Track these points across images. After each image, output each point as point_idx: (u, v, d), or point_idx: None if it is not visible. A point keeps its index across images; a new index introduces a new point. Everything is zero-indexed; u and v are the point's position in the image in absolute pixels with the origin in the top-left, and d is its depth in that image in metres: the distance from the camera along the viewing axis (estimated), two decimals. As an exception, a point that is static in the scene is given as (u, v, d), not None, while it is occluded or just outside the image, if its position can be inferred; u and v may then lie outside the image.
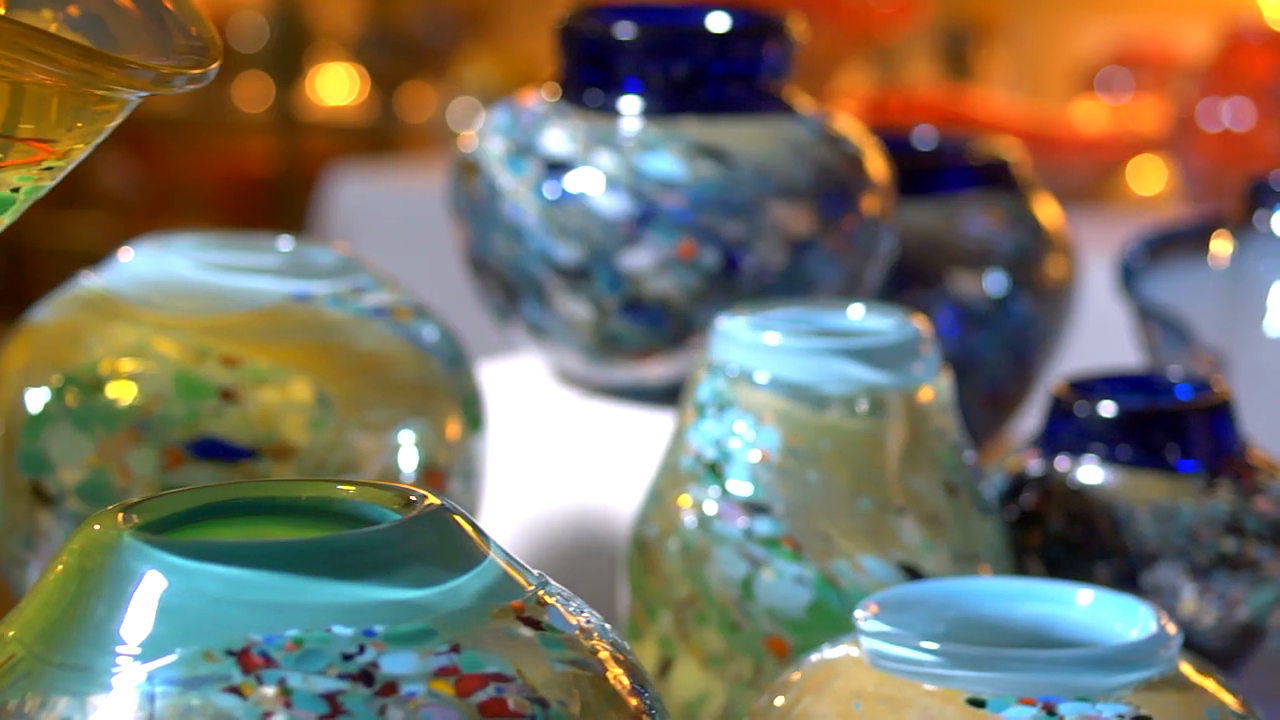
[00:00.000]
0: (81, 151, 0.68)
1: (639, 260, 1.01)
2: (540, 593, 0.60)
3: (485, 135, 1.06)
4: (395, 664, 0.55)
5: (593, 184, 1.01)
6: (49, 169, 0.67)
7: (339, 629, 0.56)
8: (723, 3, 1.08)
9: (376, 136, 3.45)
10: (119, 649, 0.56)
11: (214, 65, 0.68)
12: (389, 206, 2.33)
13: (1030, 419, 1.27)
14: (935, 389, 0.85)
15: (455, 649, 0.56)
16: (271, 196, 3.52)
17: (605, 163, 1.01)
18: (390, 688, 0.55)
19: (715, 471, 0.83)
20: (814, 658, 0.72)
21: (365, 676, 0.55)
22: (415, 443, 0.88)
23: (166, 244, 0.91)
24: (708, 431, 0.84)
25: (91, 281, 0.90)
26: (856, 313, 0.88)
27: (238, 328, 0.86)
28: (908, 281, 1.15)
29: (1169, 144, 2.12)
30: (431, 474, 0.88)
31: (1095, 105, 2.71)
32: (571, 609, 0.60)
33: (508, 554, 0.61)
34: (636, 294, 1.02)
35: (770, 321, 0.86)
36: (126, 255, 0.91)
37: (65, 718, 0.55)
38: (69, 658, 0.56)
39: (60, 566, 0.59)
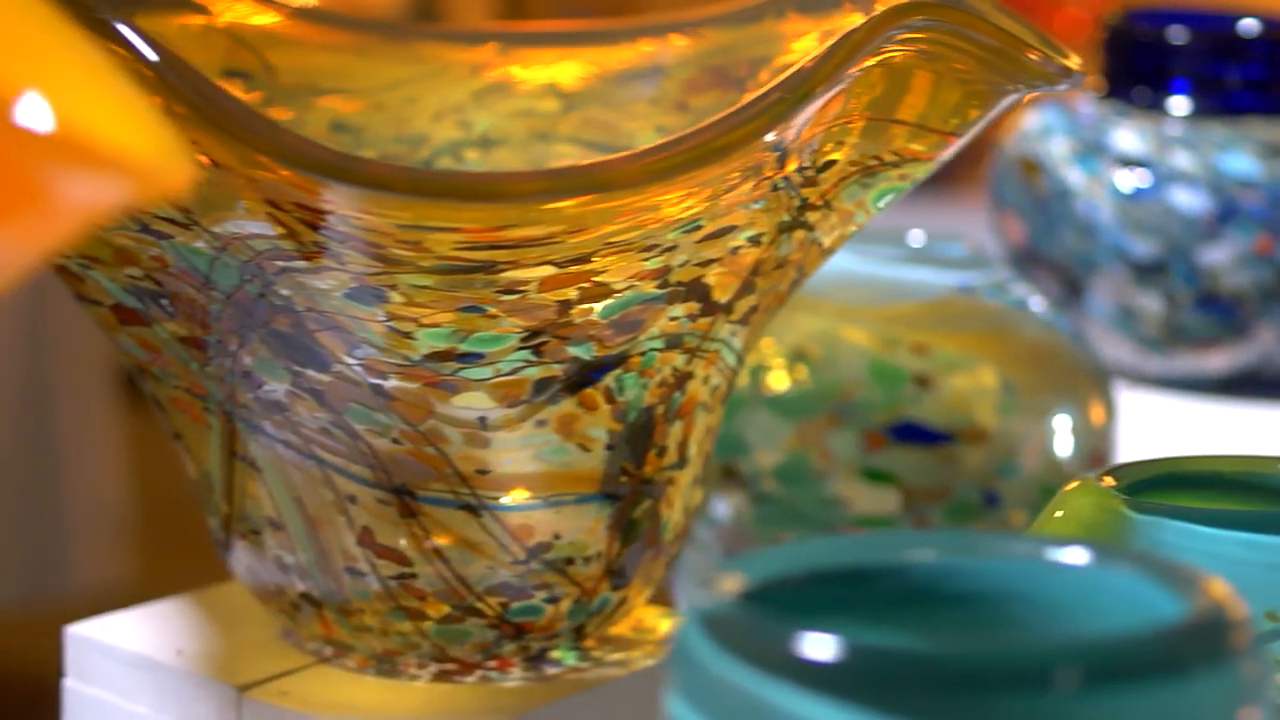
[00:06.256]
0: (954, 147, 0.71)
1: (1217, 256, 1.05)
2: None
3: (1045, 135, 1.10)
4: None
5: (1171, 182, 1.06)
6: (935, 162, 0.71)
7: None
8: (1244, 7, 1.12)
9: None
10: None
11: (1080, 71, 0.72)
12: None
13: None
14: None
15: None
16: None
17: (1182, 161, 1.06)
18: None
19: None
20: None
21: None
22: (1071, 429, 0.92)
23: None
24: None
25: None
26: None
27: (918, 317, 0.90)
28: None
29: None
30: (1093, 460, 0.92)
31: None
32: None
33: None
34: (1212, 288, 1.06)
35: None
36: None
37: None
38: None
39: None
